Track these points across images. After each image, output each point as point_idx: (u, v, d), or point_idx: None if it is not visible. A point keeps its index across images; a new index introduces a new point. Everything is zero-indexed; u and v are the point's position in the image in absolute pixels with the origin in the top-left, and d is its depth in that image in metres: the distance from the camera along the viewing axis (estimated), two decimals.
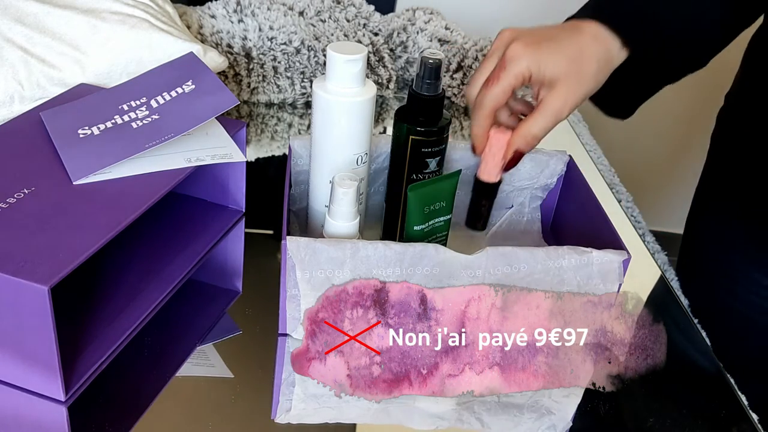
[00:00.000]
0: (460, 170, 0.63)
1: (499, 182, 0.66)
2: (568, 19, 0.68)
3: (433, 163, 0.64)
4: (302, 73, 1.01)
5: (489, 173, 0.65)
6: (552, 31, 0.64)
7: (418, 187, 0.59)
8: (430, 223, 0.61)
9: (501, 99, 0.63)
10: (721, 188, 0.86)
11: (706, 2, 0.66)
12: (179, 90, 0.67)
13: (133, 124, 0.63)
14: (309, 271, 0.56)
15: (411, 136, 0.63)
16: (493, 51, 0.64)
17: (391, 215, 0.68)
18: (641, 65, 0.65)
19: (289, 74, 1.01)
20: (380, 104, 1.05)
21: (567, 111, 0.63)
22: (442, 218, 0.62)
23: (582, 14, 0.66)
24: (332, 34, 1.06)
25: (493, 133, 0.63)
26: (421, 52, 0.64)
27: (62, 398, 0.51)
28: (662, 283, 0.75)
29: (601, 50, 0.63)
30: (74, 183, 0.57)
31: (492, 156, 0.64)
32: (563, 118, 0.63)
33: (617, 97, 0.67)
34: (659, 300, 0.73)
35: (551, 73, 0.62)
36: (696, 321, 0.70)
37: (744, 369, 0.66)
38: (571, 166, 0.72)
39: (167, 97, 0.66)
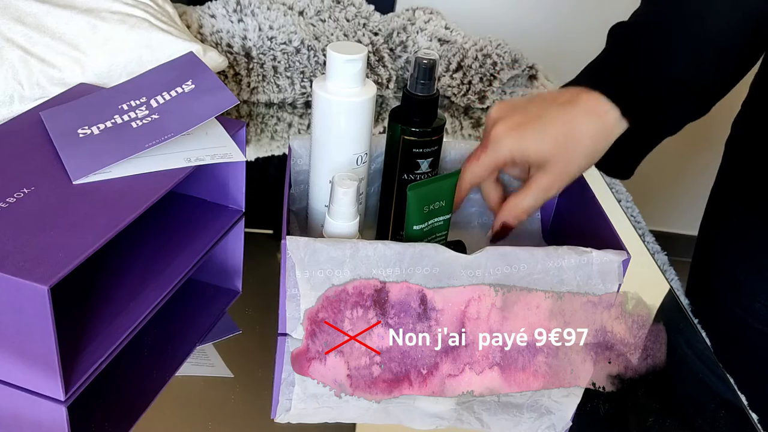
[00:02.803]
0: (460, 170, 0.63)
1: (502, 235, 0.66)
2: (567, 84, 0.67)
3: (425, 164, 0.64)
4: (302, 72, 1.01)
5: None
6: (541, 107, 0.62)
7: (418, 186, 0.59)
8: (430, 222, 0.61)
9: (482, 176, 0.64)
10: (738, 197, 0.85)
11: (707, 60, 0.64)
12: (179, 90, 0.67)
13: (133, 124, 0.63)
14: (309, 271, 0.56)
15: (403, 137, 0.63)
16: (485, 128, 0.65)
17: (384, 215, 0.68)
18: (640, 130, 0.64)
19: (288, 74, 1.01)
20: (380, 104, 1.05)
21: (556, 189, 0.63)
22: (441, 218, 0.62)
23: (580, 81, 0.65)
24: (332, 34, 1.06)
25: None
26: (416, 52, 0.64)
27: (62, 398, 0.51)
28: (662, 284, 0.75)
29: (595, 126, 0.61)
30: (74, 183, 0.57)
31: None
32: (552, 195, 0.64)
33: (616, 160, 0.66)
34: (659, 300, 0.73)
35: (536, 156, 0.62)
36: (696, 321, 0.70)
37: (754, 384, 0.66)
38: None
39: (167, 97, 0.66)
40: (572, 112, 0.61)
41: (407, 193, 0.59)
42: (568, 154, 0.61)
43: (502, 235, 0.65)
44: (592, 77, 0.64)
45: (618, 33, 0.67)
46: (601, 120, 0.61)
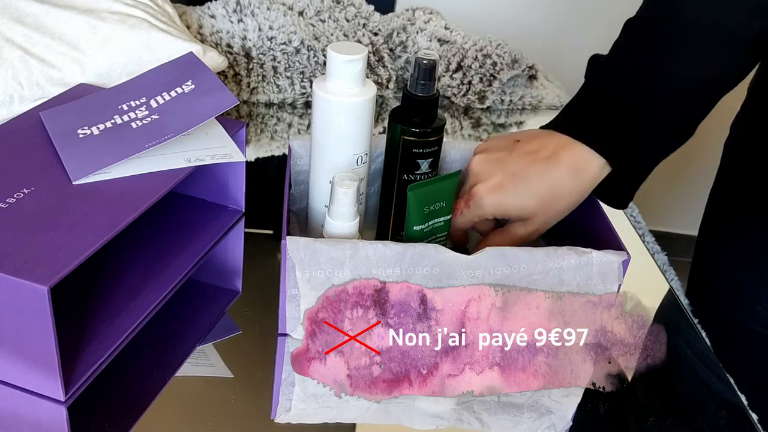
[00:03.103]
0: (460, 170, 0.63)
1: None
2: (547, 125, 0.66)
3: (425, 165, 0.64)
4: (302, 73, 1.01)
5: None
6: (523, 164, 0.62)
7: (418, 187, 0.59)
8: (430, 223, 0.61)
9: (466, 227, 0.65)
10: (738, 199, 0.85)
11: (693, 98, 0.64)
12: (179, 90, 0.67)
13: (133, 124, 0.63)
14: (309, 271, 0.56)
15: (403, 137, 0.63)
16: (466, 179, 0.65)
17: (384, 216, 0.68)
18: (626, 172, 0.64)
19: (288, 74, 1.01)
20: (380, 104, 1.05)
21: (534, 236, 0.65)
22: (442, 218, 0.62)
23: (560, 126, 0.64)
24: (332, 34, 1.06)
25: None
26: (416, 52, 0.64)
27: (62, 398, 0.51)
28: (662, 284, 0.75)
29: (580, 182, 0.62)
30: (74, 183, 0.57)
31: None
32: (525, 241, 0.64)
33: (610, 193, 0.66)
34: (659, 300, 0.73)
35: (518, 214, 0.63)
36: (696, 321, 0.70)
37: (755, 385, 0.66)
38: None
39: (167, 97, 0.66)
40: (555, 170, 0.62)
41: (407, 193, 0.59)
42: (549, 211, 0.63)
43: None
44: (573, 125, 0.64)
45: (596, 70, 0.67)
46: (584, 175, 0.62)
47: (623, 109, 0.63)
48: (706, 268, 0.90)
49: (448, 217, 0.63)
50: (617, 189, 0.66)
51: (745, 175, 0.83)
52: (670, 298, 0.73)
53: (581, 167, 0.62)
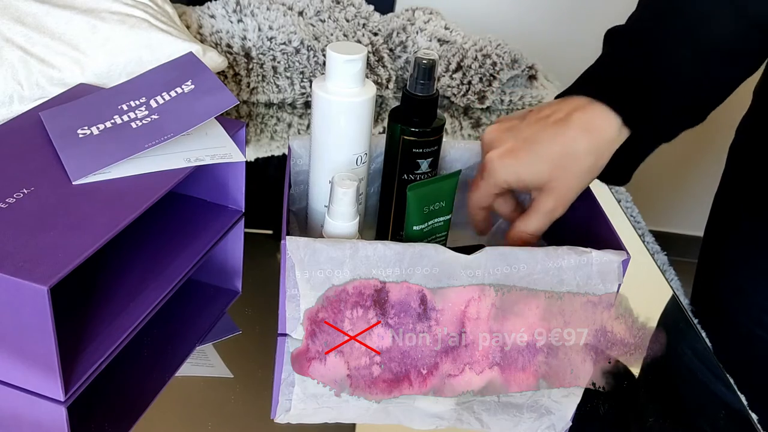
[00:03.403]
0: (460, 170, 0.63)
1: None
2: (563, 93, 0.65)
3: (425, 164, 0.64)
4: (302, 73, 1.01)
5: None
6: (534, 129, 0.61)
7: (418, 186, 0.59)
8: (430, 223, 0.61)
9: (485, 202, 0.64)
10: (744, 204, 0.84)
11: (711, 65, 0.62)
12: (179, 90, 0.67)
13: (133, 124, 0.63)
14: (308, 271, 0.56)
15: (403, 137, 0.63)
16: (481, 150, 0.65)
17: (384, 215, 0.68)
18: (639, 139, 0.62)
19: (288, 74, 1.01)
20: (380, 104, 1.05)
21: (561, 209, 0.62)
22: (441, 218, 0.62)
23: (578, 90, 0.63)
24: (332, 34, 1.06)
25: None
26: (416, 52, 0.64)
27: (62, 398, 0.51)
28: (662, 284, 0.75)
29: (595, 142, 0.60)
30: (74, 183, 0.57)
31: None
32: (558, 215, 0.63)
33: (612, 167, 0.64)
34: (659, 300, 0.73)
35: (534, 180, 0.61)
36: (696, 321, 0.70)
37: (763, 395, 0.65)
38: None
39: (167, 97, 0.66)
40: (567, 131, 0.60)
41: (407, 193, 0.59)
42: (567, 174, 0.61)
43: None
44: (592, 86, 0.63)
45: (616, 38, 0.65)
46: (599, 134, 0.60)
47: (646, 72, 0.61)
48: (712, 275, 0.90)
49: (448, 217, 0.63)
50: (625, 158, 0.63)
51: (751, 180, 0.82)
52: (670, 298, 0.73)
53: (594, 126, 0.60)
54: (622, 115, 0.60)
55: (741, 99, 0.85)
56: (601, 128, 0.60)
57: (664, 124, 0.63)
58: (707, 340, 0.68)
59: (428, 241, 0.62)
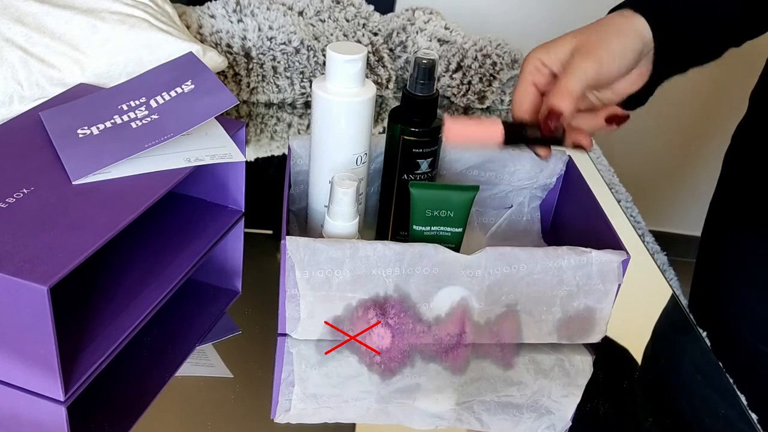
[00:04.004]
0: (478, 187, 0.61)
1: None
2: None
3: (425, 164, 0.64)
4: (302, 73, 1.01)
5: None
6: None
7: (421, 186, 0.59)
8: (434, 228, 0.60)
9: (524, 98, 0.62)
10: (740, 211, 0.83)
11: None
12: (179, 90, 0.67)
13: (133, 124, 0.63)
14: (308, 271, 0.56)
15: (403, 137, 0.63)
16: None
17: (384, 216, 0.68)
18: (661, 53, 0.62)
19: (288, 74, 1.01)
20: (380, 104, 1.05)
21: (593, 72, 0.59)
22: (449, 229, 0.60)
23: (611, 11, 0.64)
24: (332, 34, 1.06)
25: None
26: (416, 52, 0.63)
27: (61, 398, 0.51)
28: (662, 283, 0.75)
29: (630, 24, 0.61)
30: (73, 183, 0.57)
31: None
32: (593, 79, 0.59)
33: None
34: (658, 300, 0.73)
35: (565, 51, 0.61)
36: (695, 322, 0.70)
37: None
38: (571, 166, 0.72)
39: (167, 97, 0.66)
40: (602, 19, 0.62)
41: (410, 190, 0.59)
42: (597, 35, 0.60)
43: (548, 130, 0.59)
44: (622, 4, 0.64)
45: None
46: (632, 21, 0.61)
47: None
48: (709, 279, 0.89)
49: (459, 230, 0.61)
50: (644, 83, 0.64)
51: (747, 185, 0.82)
52: (670, 298, 0.73)
53: (628, 14, 0.61)
54: (648, 19, 0.61)
55: (737, 104, 0.85)
56: (632, 23, 0.61)
57: (680, 42, 0.63)
58: (707, 340, 0.68)
59: None
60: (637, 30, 0.61)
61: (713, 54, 0.66)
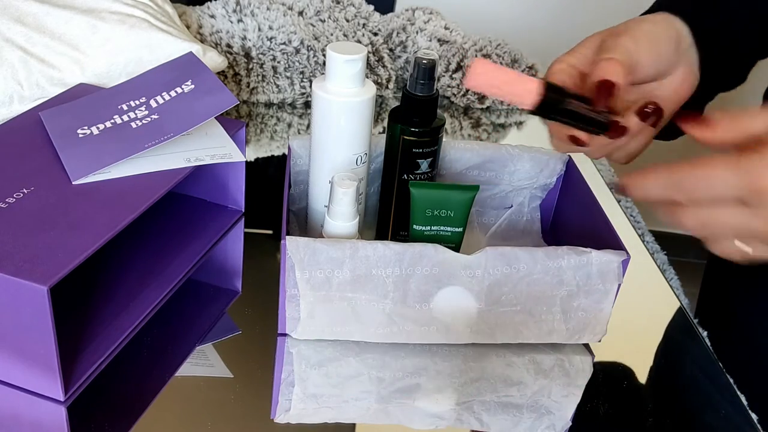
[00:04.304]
0: (478, 186, 0.61)
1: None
2: None
3: (424, 164, 0.64)
4: (302, 72, 1.01)
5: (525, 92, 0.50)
6: None
7: (421, 185, 0.59)
8: (434, 228, 0.60)
9: (562, 64, 0.55)
10: None
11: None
12: (179, 90, 0.67)
13: (133, 124, 0.63)
14: (308, 271, 0.56)
15: (403, 137, 0.63)
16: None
17: (384, 216, 0.68)
18: (700, 48, 0.57)
19: (288, 74, 1.01)
20: (380, 104, 1.05)
21: (631, 46, 0.53)
22: (449, 228, 0.61)
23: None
24: (332, 34, 1.06)
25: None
26: (416, 52, 0.63)
27: (61, 398, 0.51)
28: (662, 283, 0.75)
29: (659, 16, 0.56)
30: (73, 183, 0.57)
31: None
32: (633, 58, 0.53)
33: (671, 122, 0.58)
34: (658, 300, 0.73)
35: (592, 47, 0.56)
36: (696, 321, 0.70)
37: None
38: (571, 166, 0.72)
39: (167, 97, 0.66)
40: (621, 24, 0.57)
41: (410, 189, 0.59)
42: (625, 26, 0.55)
43: (605, 93, 0.52)
44: (659, 5, 0.60)
45: None
46: (657, 17, 0.56)
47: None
48: (720, 279, 0.86)
49: (459, 230, 0.61)
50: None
51: None
52: (670, 297, 0.73)
53: (655, 17, 0.57)
54: (688, 23, 0.57)
55: (740, 104, 0.84)
56: (663, 17, 0.57)
57: (719, 56, 0.59)
58: (707, 340, 0.68)
59: None
60: (667, 20, 0.56)
61: (752, 54, 0.62)
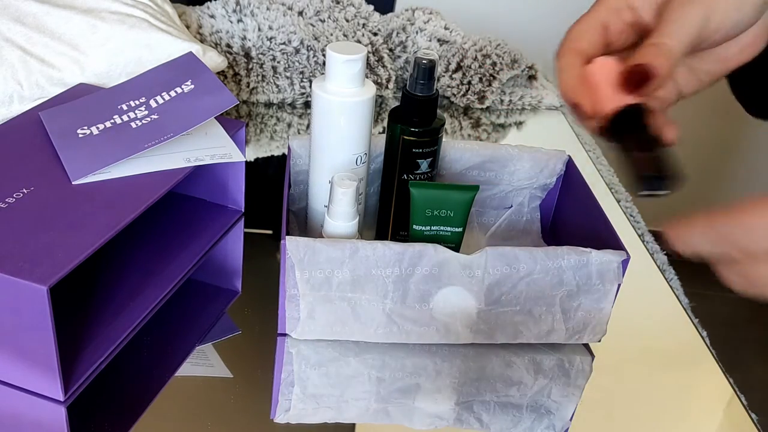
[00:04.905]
0: (478, 186, 0.61)
1: (641, 111, 0.44)
2: None
3: (424, 164, 0.64)
4: (301, 73, 1.01)
5: (601, 102, 0.44)
6: None
7: (421, 185, 0.59)
8: (434, 228, 0.60)
9: (584, 36, 0.46)
10: None
11: None
12: (178, 90, 0.67)
13: (133, 124, 0.63)
14: (308, 271, 0.56)
15: (402, 137, 0.63)
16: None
17: (384, 216, 0.68)
18: None
19: (288, 74, 1.01)
20: (380, 104, 1.05)
21: (699, 21, 0.43)
22: (449, 228, 0.61)
23: None
24: (331, 34, 1.06)
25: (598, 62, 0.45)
26: (415, 52, 0.63)
27: (61, 398, 0.51)
28: (661, 283, 0.75)
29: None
30: (73, 183, 0.57)
31: (601, 85, 0.44)
32: (701, 34, 0.44)
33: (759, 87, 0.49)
34: (658, 300, 0.73)
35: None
36: (696, 321, 0.70)
37: None
38: (571, 166, 0.72)
39: (166, 97, 0.66)
40: None
41: (410, 189, 0.59)
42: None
43: (635, 83, 0.44)
44: None
45: None
46: None
47: None
48: None
49: (459, 230, 0.61)
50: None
51: None
52: (670, 297, 0.73)
53: None
54: None
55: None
56: None
57: None
58: (707, 340, 0.68)
59: None
60: None
61: None
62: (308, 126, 0.98)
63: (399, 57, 1.08)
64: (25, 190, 0.55)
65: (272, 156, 0.93)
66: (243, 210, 0.72)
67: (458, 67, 1.07)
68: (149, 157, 0.61)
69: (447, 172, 0.72)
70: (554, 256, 0.57)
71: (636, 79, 0.43)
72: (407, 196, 0.60)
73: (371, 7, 1.13)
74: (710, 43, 0.45)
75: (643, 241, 0.81)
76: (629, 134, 0.44)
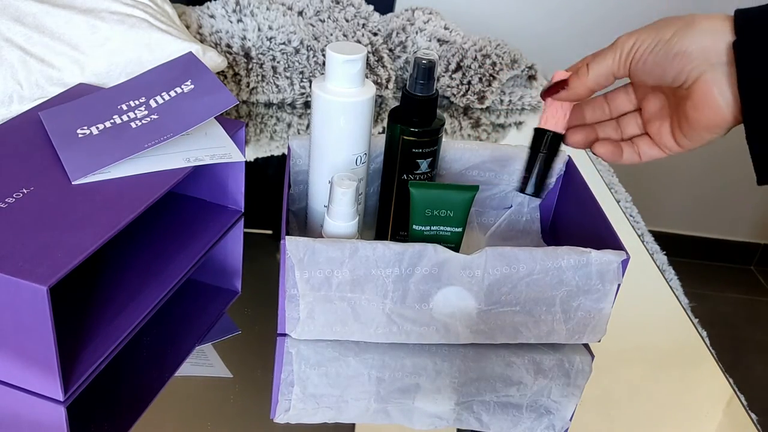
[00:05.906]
0: (478, 187, 0.61)
1: (558, 139, 0.58)
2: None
3: (424, 164, 0.64)
4: (301, 73, 1.01)
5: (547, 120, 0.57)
6: None
7: (421, 186, 0.59)
8: (434, 228, 0.60)
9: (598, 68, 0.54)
10: None
11: None
12: (178, 90, 0.67)
13: (132, 124, 0.63)
14: (308, 271, 0.56)
15: (402, 137, 0.63)
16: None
17: (384, 216, 0.68)
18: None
19: (288, 74, 1.01)
20: (379, 104, 1.05)
21: (629, 45, 0.52)
22: (449, 228, 0.61)
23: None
24: (331, 34, 1.06)
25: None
26: (415, 52, 0.63)
27: (61, 398, 0.51)
28: (661, 284, 0.75)
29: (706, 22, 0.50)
30: (73, 183, 0.57)
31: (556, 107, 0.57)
32: (620, 51, 0.52)
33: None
34: (658, 300, 0.73)
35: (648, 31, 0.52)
36: (696, 321, 0.70)
37: None
38: (570, 167, 0.72)
39: (166, 97, 0.66)
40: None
41: (410, 189, 0.59)
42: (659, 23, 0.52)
43: (553, 90, 0.56)
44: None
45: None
46: (711, 22, 0.49)
47: None
48: None
49: (459, 230, 0.61)
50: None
51: None
52: (670, 297, 0.73)
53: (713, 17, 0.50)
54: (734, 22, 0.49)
55: None
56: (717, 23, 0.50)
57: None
58: (707, 340, 0.68)
59: None
60: (720, 28, 0.49)
61: None
62: (308, 126, 0.98)
63: (399, 57, 1.08)
64: (25, 190, 0.55)
65: (272, 156, 0.93)
66: (243, 210, 0.72)
67: (458, 67, 1.07)
68: (149, 157, 0.61)
69: (447, 172, 0.72)
70: (554, 257, 0.57)
71: (554, 87, 0.56)
72: (407, 196, 0.60)
73: (371, 7, 1.13)
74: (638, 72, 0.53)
75: (642, 241, 0.81)
76: (541, 150, 0.58)
